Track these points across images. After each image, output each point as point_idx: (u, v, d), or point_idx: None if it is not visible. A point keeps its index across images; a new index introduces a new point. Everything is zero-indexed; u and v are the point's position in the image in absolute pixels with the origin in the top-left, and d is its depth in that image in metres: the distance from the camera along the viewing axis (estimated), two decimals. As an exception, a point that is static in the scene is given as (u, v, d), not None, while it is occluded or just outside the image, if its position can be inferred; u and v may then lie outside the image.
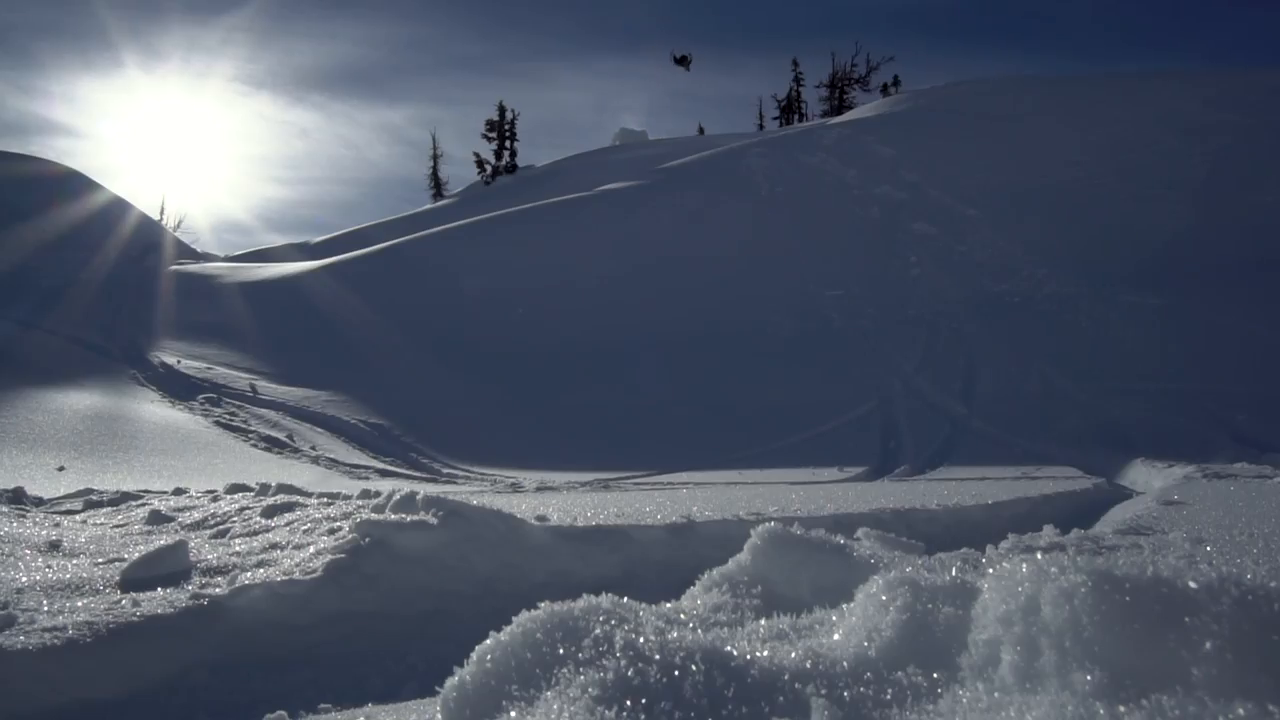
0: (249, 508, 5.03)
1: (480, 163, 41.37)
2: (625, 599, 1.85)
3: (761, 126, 45.81)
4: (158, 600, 3.26)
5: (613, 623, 1.67)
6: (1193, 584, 1.32)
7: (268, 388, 15.14)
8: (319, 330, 18.79)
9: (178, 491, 6.40)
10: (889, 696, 1.43)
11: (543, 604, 1.72)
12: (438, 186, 43.41)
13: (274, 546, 4.08)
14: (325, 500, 5.21)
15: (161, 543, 3.93)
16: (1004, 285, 17.64)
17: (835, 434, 12.59)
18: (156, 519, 4.98)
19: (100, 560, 3.91)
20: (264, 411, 13.66)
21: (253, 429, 12.40)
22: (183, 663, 3.06)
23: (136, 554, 3.79)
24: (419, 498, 4.21)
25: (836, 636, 1.66)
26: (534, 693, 1.50)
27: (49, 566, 3.77)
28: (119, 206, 27.26)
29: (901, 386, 14.36)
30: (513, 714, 1.46)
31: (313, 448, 11.99)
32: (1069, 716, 1.21)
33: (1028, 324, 15.99)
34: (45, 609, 3.13)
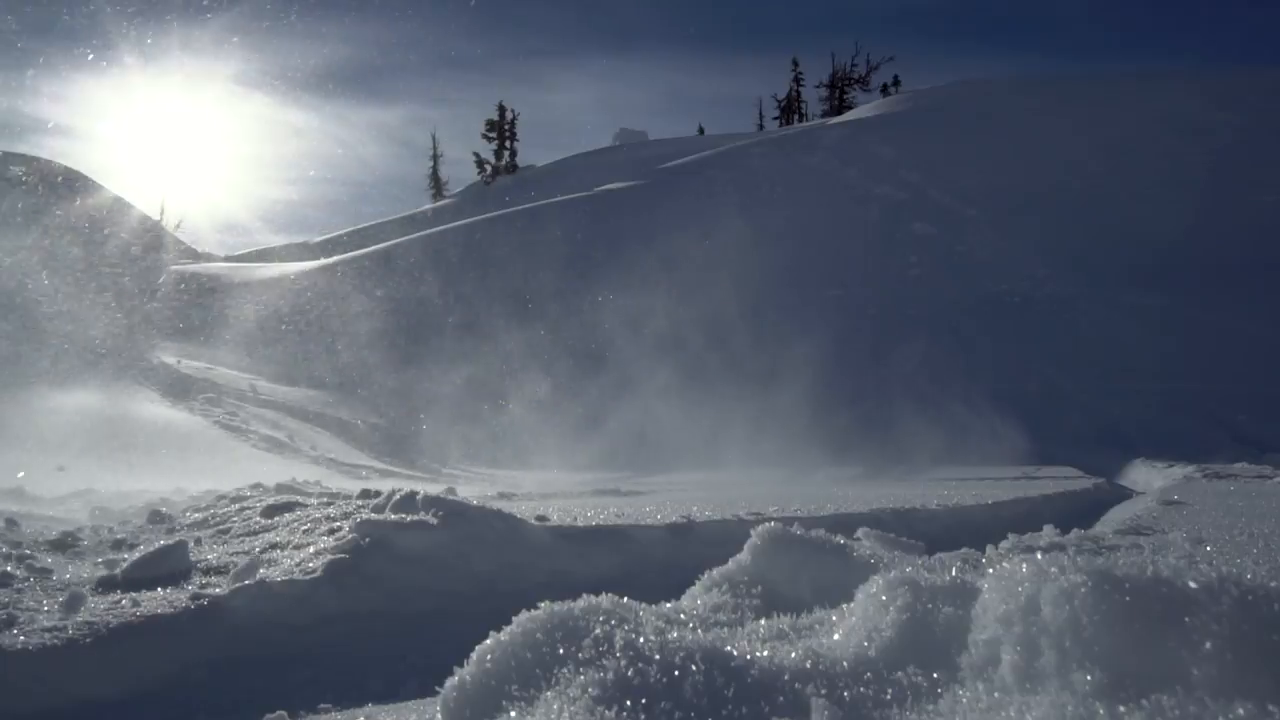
0: (249, 508, 5.03)
1: (480, 163, 41.35)
2: (625, 599, 1.85)
3: (761, 126, 45.79)
4: (158, 600, 3.26)
5: (613, 623, 1.67)
6: (1193, 584, 1.32)
7: (268, 388, 15.15)
8: (319, 330, 18.79)
9: (178, 491, 6.40)
10: (889, 696, 1.43)
11: (543, 604, 1.72)
12: (438, 186, 43.37)
13: (274, 546, 4.07)
14: (325, 500, 5.21)
15: (161, 543, 3.93)
16: (1004, 285, 17.65)
17: (835, 434, 12.59)
18: (156, 519, 4.98)
19: (100, 560, 3.91)
20: (264, 411, 13.66)
21: (253, 429, 12.40)
22: (183, 663, 3.06)
23: (136, 554, 3.80)
24: (419, 498, 4.21)
25: (836, 636, 1.66)
26: (534, 693, 1.50)
27: (50, 566, 3.77)
28: (119, 206, 27.25)
29: (901, 386, 14.36)
30: (513, 714, 1.46)
31: (313, 448, 12.00)
32: (1069, 716, 1.21)
33: (1028, 324, 15.99)
34: (45, 609, 3.13)
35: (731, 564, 2.28)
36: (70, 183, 25.28)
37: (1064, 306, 16.39)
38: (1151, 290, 16.12)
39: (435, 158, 43.74)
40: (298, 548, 3.98)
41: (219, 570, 3.69)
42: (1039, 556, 1.51)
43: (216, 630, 3.20)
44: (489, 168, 41.11)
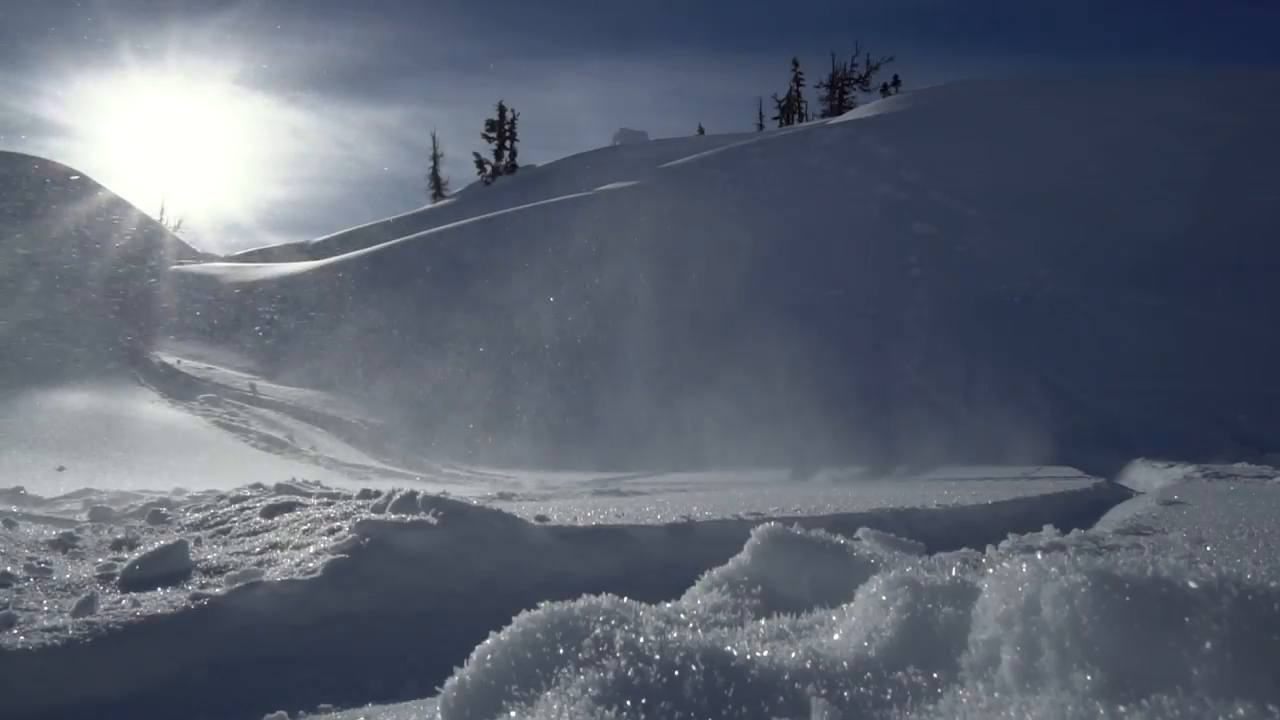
0: (249, 508, 5.02)
1: (480, 163, 41.32)
2: (625, 599, 1.85)
3: (761, 126, 45.75)
4: (158, 600, 3.26)
5: (613, 623, 1.67)
6: (1193, 584, 1.32)
7: (268, 388, 15.15)
8: (319, 330, 18.79)
9: (178, 491, 6.40)
10: (889, 696, 1.43)
11: (543, 604, 1.72)
12: (438, 186, 43.34)
13: (274, 546, 4.07)
14: (325, 500, 5.20)
15: (161, 543, 3.93)
16: (1004, 285, 17.64)
17: (835, 434, 12.59)
18: (156, 519, 4.98)
19: (100, 560, 3.91)
20: (264, 411, 13.66)
21: (253, 429, 12.40)
22: (183, 663, 3.06)
23: (136, 554, 3.80)
24: (419, 498, 4.21)
25: (836, 636, 1.66)
26: (534, 693, 1.50)
27: (50, 566, 3.77)
28: (119, 206, 27.23)
29: (901, 386, 14.37)
30: (513, 714, 1.46)
31: (313, 448, 12.00)
32: (1069, 716, 1.21)
33: (1028, 324, 15.99)
34: (45, 609, 3.13)
35: (731, 564, 2.28)
36: (70, 183, 25.26)
37: (1064, 306, 16.39)
38: (1151, 290, 16.11)
39: (435, 158, 43.72)
40: (298, 548, 3.98)
41: (219, 570, 3.69)
42: (1039, 556, 1.51)
43: (216, 630, 3.20)
44: (489, 168, 41.09)
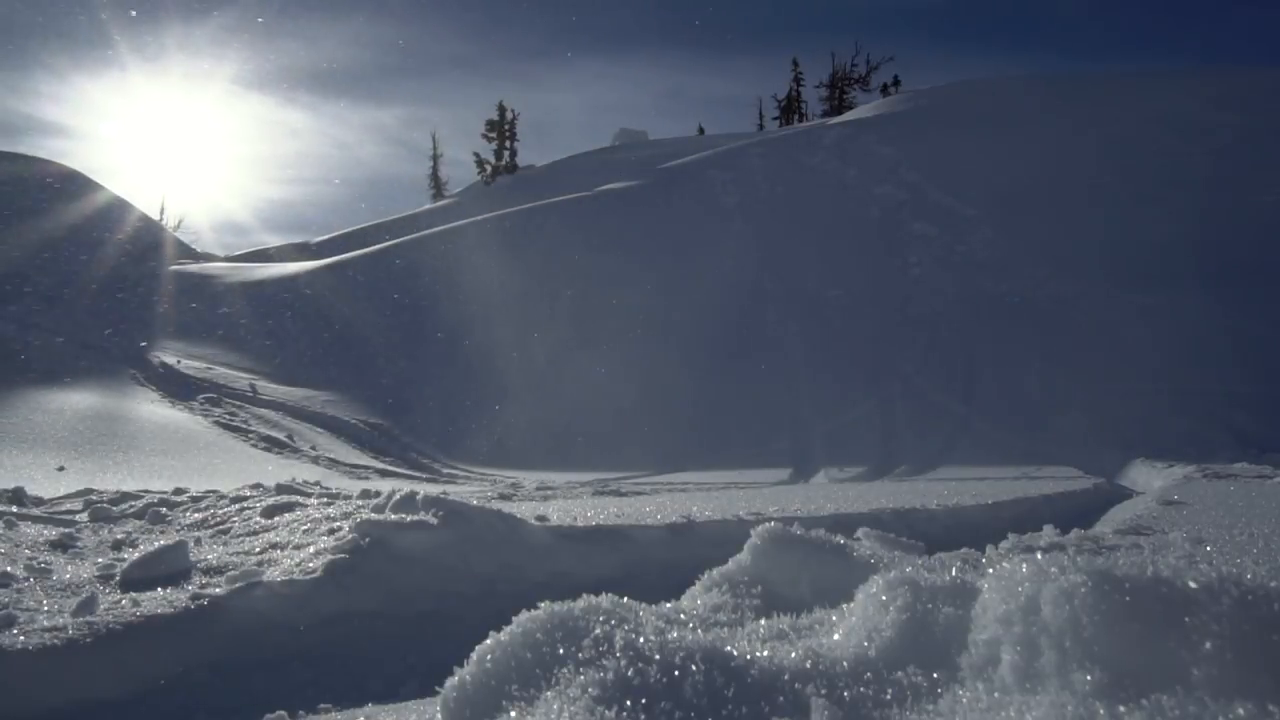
0: (249, 508, 5.03)
1: (480, 163, 41.29)
2: (625, 599, 1.85)
3: (761, 126, 45.73)
4: (158, 600, 3.26)
5: (613, 623, 1.67)
6: (1193, 584, 1.32)
7: (268, 388, 15.15)
8: (319, 330, 18.79)
9: (178, 491, 6.40)
10: (889, 696, 1.43)
11: (543, 604, 1.72)
12: (438, 186, 43.35)
13: (274, 546, 4.08)
14: (325, 500, 5.21)
15: (161, 543, 3.93)
16: (1004, 285, 17.64)
17: (835, 434, 12.59)
18: (156, 519, 4.98)
19: (100, 560, 3.92)
20: (264, 411, 13.66)
21: (253, 429, 12.40)
22: (183, 663, 3.06)
23: (136, 554, 3.80)
24: (419, 498, 4.21)
25: (836, 636, 1.66)
26: (534, 693, 1.50)
27: (50, 566, 3.77)
28: (119, 206, 27.23)
29: (901, 386, 14.36)
30: (513, 714, 1.46)
31: (313, 448, 12.00)
32: (1069, 716, 1.21)
33: (1028, 324, 15.98)
34: (45, 609, 3.13)
35: (731, 564, 2.28)
36: (70, 183, 25.25)
37: (1064, 306, 16.38)
38: (1152, 290, 16.11)
39: (435, 158, 43.73)
40: (298, 548, 3.98)
41: (219, 570, 3.69)
42: (1039, 556, 1.51)
43: (216, 630, 3.20)
44: (489, 168, 41.06)
